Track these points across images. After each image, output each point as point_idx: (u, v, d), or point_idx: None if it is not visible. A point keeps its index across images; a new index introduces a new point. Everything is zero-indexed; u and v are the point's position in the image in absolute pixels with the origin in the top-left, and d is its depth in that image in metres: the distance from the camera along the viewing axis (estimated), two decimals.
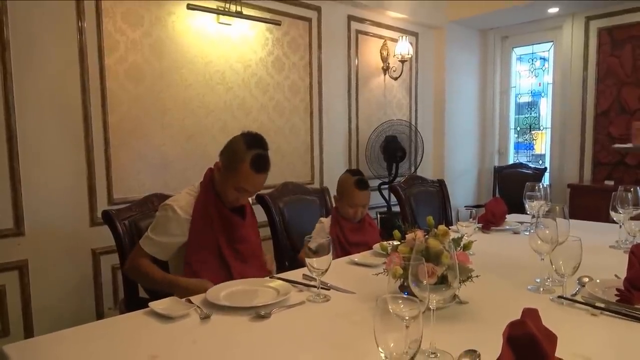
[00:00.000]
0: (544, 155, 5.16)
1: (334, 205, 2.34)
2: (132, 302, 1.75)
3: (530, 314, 0.84)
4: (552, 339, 0.84)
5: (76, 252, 2.59)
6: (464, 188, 5.22)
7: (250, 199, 1.93)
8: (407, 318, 0.85)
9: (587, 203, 4.08)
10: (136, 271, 1.68)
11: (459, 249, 1.35)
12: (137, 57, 2.77)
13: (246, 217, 1.80)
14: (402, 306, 0.87)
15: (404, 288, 1.12)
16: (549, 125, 5.06)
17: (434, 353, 1.01)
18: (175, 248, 1.70)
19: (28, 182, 2.41)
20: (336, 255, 1.89)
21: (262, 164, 1.68)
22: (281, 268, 2.16)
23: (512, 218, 2.56)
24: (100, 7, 2.60)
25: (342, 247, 2.13)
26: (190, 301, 1.34)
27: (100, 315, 2.67)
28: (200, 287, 1.49)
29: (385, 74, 4.36)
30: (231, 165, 1.68)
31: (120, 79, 2.70)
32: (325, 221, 2.27)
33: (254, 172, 1.66)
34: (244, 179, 1.66)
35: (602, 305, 1.26)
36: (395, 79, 4.42)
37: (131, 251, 1.75)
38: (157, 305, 1.29)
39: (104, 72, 2.63)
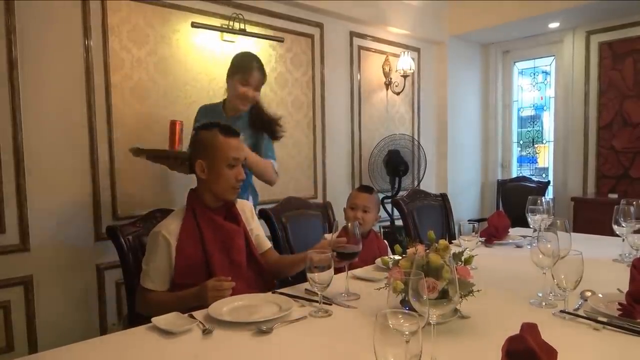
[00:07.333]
0: (547, 168, 5.15)
1: (335, 219, 2.34)
2: (135, 318, 1.75)
3: (530, 329, 0.84)
4: (551, 353, 0.85)
5: (81, 267, 2.61)
6: (467, 201, 5.21)
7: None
8: (407, 333, 0.85)
9: (591, 216, 4.05)
10: (148, 308, 1.59)
11: (460, 263, 1.35)
12: (142, 74, 2.81)
13: (240, 224, 1.78)
14: (402, 321, 0.88)
15: (405, 302, 1.12)
16: (551, 138, 5.06)
17: None
18: (170, 275, 1.64)
19: (34, 198, 2.43)
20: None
21: (229, 128, 1.73)
22: (284, 283, 2.15)
23: (515, 232, 2.56)
24: (106, 26, 2.65)
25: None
26: (192, 316, 1.35)
27: (104, 331, 2.67)
28: (202, 290, 1.49)
29: (387, 89, 4.39)
30: (209, 151, 1.69)
31: (126, 97, 2.74)
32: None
33: (230, 137, 1.71)
34: (227, 148, 1.69)
35: (605, 320, 1.25)
36: (398, 93, 4.45)
37: (135, 270, 1.75)
38: (159, 320, 1.30)
39: (109, 90, 2.67)
